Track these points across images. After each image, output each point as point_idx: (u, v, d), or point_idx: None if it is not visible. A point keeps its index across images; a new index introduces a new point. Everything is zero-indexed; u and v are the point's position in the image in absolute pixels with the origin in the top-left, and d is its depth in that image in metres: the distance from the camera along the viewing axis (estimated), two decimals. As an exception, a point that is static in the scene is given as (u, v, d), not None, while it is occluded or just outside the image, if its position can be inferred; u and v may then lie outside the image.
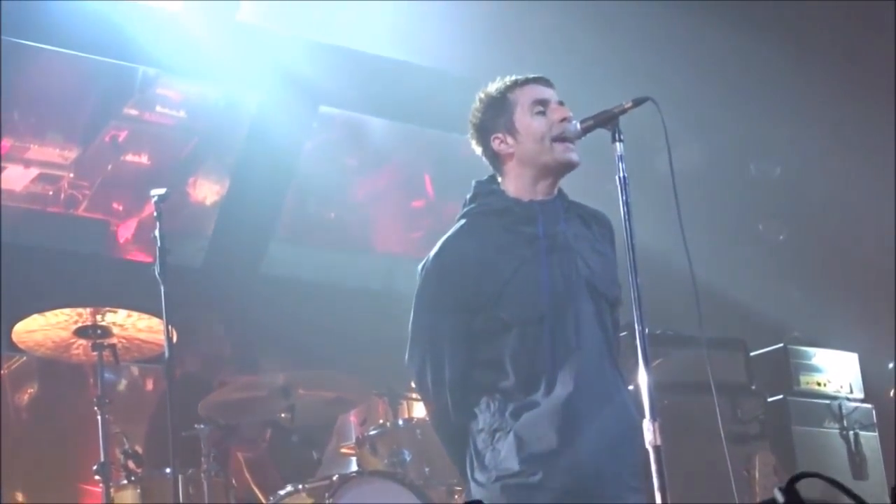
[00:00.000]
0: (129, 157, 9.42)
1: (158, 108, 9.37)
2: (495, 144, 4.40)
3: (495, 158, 4.43)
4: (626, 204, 4.15)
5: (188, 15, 8.47)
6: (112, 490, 6.39)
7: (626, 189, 4.17)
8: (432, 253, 4.38)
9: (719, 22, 9.11)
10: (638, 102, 4.21)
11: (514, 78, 4.46)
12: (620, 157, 4.20)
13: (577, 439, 4.11)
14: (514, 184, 4.40)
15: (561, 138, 4.31)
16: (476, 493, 4.22)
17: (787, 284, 10.50)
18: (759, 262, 10.66)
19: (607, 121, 4.22)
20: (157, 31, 8.43)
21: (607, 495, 4.12)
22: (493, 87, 4.46)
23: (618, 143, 4.21)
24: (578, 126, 4.29)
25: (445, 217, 9.54)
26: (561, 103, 4.40)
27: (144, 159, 9.47)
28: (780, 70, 9.81)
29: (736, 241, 10.54)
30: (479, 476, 4.21)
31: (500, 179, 4.45)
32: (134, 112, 9.31)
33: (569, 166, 4.36)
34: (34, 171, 9.04)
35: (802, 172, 10.76)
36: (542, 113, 4.35)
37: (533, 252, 4.27)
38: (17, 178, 8.94)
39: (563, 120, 4.32)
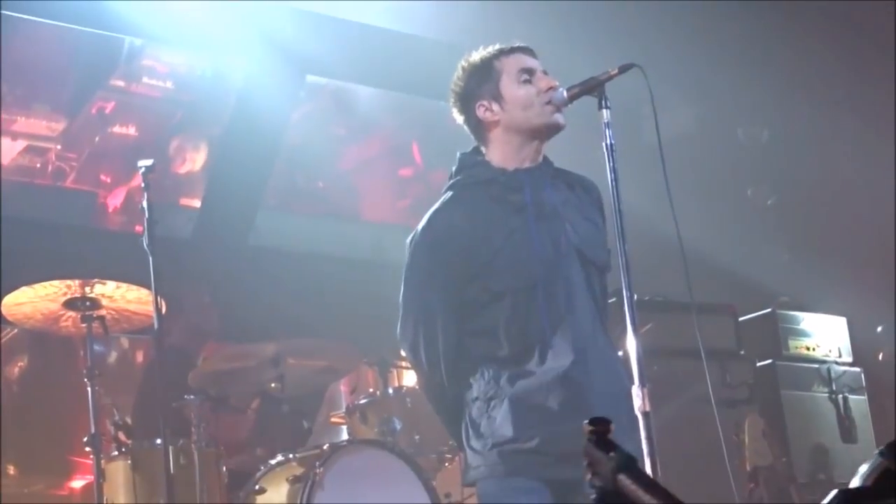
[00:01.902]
0: (117, 129, 9.39)
1: (145, 80, 9.34)
2: (480, 112, 4.39)
3: (479, 126, 4.43)
4: (614, 171, 4.16)
5: (175, -18, 8.44)
6: (103, 461, 6.39)
7: (613, 156, 4.17)
8: (420, 226, 4.38)
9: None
10: (624, 69, 4.21)
11: (498, 46, 4.45)
12: (607, 124, 4.20)
13: (572, 405, 4.12)
14: (500, 152, 4.40)
15: (548, 103, 4.31)
16: (473, 460, 4.24)
17: (776, 249, 10.52)
18: (747, 227, 10.68)
19: (594, 88, 4.23)
20: (143, 1, 8.40)
21: None
22: (477, 55, 4.46)
23: (604, 111, 4.21)
24: (565, 94, 4.30)
25: (433, 185, 9.54)
26: (545, 73, 4.40)
27: (132, 131, 9.45)
28: (767, 35, 9.80)
29: (724, 207, 10.54)
30: (475, 444, 4.23)
31: (483, 149, 4.44)
32: (121, 83, 9.29)
33: (555, 128, 4.37)
34: (21, 144, 9.02)
35: (790, 137, 10.76)
36: (529, 81, 4.36)
37: (521, 220, 4.27)
38: (5, 150, 8.92)
39: (550, 89, 4.32)
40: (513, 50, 4.43)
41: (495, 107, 4.36)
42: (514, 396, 4.16)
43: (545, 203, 4.32)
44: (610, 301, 7.46)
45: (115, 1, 8.31)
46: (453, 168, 4.48)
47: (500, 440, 4.15)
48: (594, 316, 4.31)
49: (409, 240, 4.40)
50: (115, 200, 9.42)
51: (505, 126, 4.37)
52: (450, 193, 4.42)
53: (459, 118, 4.48)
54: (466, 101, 4.43)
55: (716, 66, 10.00)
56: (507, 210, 4.30)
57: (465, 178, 4.42)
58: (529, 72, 4.37)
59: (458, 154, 4.50)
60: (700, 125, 10.52)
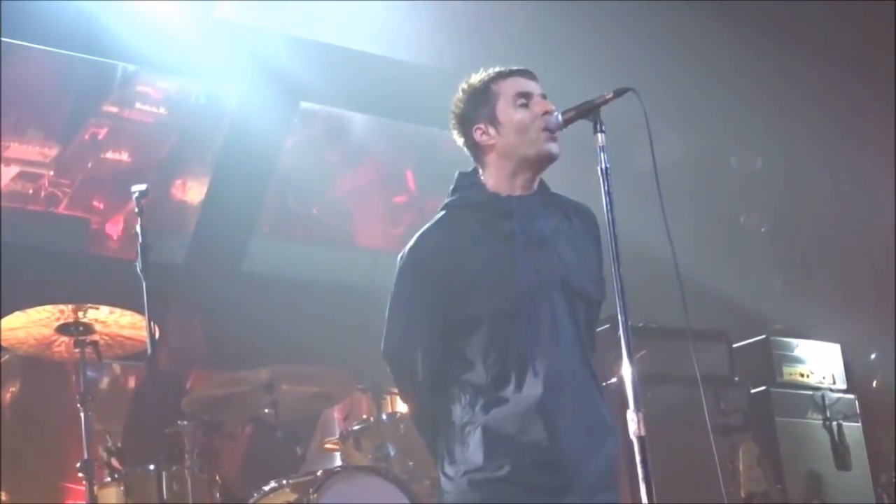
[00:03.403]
0: (110, 155, 9.38)
1: (138, 106, 9.33)
2: (476, 135, 4.38)
3: (476, 149, 4.41)
4: (609, 195, 4.15)
5: (167, 10, 8.45)
6: (96, 488, 6.38)
7: (607, 180, 4.16)
8: (408, 246, 4.37)
9: (700, 14, 9.13)
10: (619, 93, 4.21)
11: (498, 69, 4.44)
12: (602, 148, 4.19)
13: (546, 436, 4.09)
14: (494, 177, 4.38)
15: (544, 129, 4.30)
16: (446, 486, 4.20)
17: (770, 276, 10.53)
18: (741, 254, 10.70)
19: (589, 112, 4.22)
20: (137, 27, 8.41)
21: (576, 492, 4.09)
22: (477, 77, 4.44)
23: (599, 134, 4.20)
24: (560, 117, 4.29)
25: (427, 212, 9.52)
26: (544, 96, 4.39)
27: (125, 157, 9.44)
28: (761, 62, 9.84)
29: (718, 234, 10.56)
30: (448, 470, 4.19)
31: (480, 172, 4.44)
32: (114, 109, 9.28)
33: (549, 158, 4.35)
34: (14, 169, 9.01)
35: (783, 165, 10.79)
36: (525, 105, 4.33)
37: (507, 247, 4.25)
38: (-3, 176, 8.92)
39: (546, 113, 4.31)
40: (511, 73, 4.41)
41: (491, 130, 4.35)
42: (487, 424, 4.12)
43: (534, 231, 4.29)
44: (604, 327, 7.47)
45: (109, 27, 8.32)
46: (451, 187, 4.47)
47: (472, 467, 4.11)
48: (576, 348, 4.26)
49: (399, 257, 4.39)
50: (116, 228, 9.41)
51: (500, 151, 4.35)
52: (442, 213, 4.40)
53: (459, 140, 4.47)
54: (464, 123, 4.42)
55: (709, 94, 10.03)
56: (495, 236, 4.28)
57: (458, 199, 4.41)
58: (526, 96, 4.35)
59: (456, 173, 4.49)
60: (693, 152, 10.54)
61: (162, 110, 9.45)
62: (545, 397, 4.11)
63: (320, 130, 10.29)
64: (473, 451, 4.11)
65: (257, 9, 8.81)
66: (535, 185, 4.42)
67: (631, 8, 9.02)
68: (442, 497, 4.24)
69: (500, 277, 4.20)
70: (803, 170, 10.54)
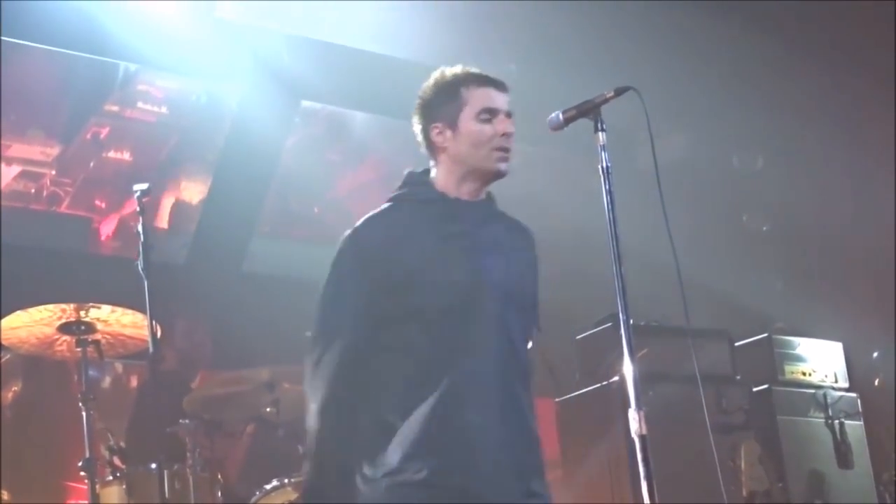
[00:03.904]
0: (112, 154, 9.39)
1: (140, 105, 9.34)
2: (433, 133, 4.32)
3: (430, 145, 4.37)
4: (610, 193, 4.15)
5: (168, 10, 8.46)
6: (98, 487, 6.38)
7: (609, 179, 4.17)
8: (348, 231, 4.30)
9: (702, 13, 9.13)
10: (620, 92, 4.21)
11: (473, 72, 4.38)
12: (603, 147, 4.19)
13: (467, 439, 4.04)
14: (443, 178, 4.33)
15: (500, 148, 4.26)
16: (363, 488, 4.09)
17: (771, 275, 10.53)
18: (742, 253, 10.69)
19: (589, 111, 4.22)
20: (138, 27, 8.43)
21: (497, 497, 4.04)
22: (451, 72, 4.39)
23: (600, 133, 4.21)
24: (561, 117, 4.29)
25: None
26: (509, 115, 4.31)
27: (126, 156, 9.44)
28: (762, 62, 9.84)
29: (719, 233, 10.56)
30: (366, 471, 4.09)
31: (432, 169, 4.40)
32: (115, 108, 9.28)
33: (497, 175, 4.29)
34: (16, 169, 9.01)
35: (785, 164, 10.78)
36: (488, 121, 4.27)
37: (449, 247, 4.20)
38: (-1, 175, 8.93)
39: (506, 135, 4.26)
40: (485, 82, 4.34)
41: (448, 133, 4.29)
42: (407, 425, 4.05)
43: (477, 236, 4.25)
44: (605, 325, 7.49)
45: (111, 26, 8.32)
46: (399, 184, 4.43)
47: (389, 470, 4.03)
48: (508, 355, 4.18)
49: (340, 240, 4.32)
50: (108, 228, 9.41)
51: (452, 155, 4.30)
52: (388, 205, 4.35)
53: (416, 126, 4.42)
54: (426, 115, 4.38)
55: (711, 93, 10.03)
56: (438, 234, 4.22)
57: (406, 193, 4.36)
58: (492, 112, 4.27)
59: (405, 171, 4.45)
60: (695, 151, 10.54)
61: (163, 109, 9.46)
62: (470, 400, 4.06)
63: (321, 129, 10.29)
64: (392, 451, 4.04)
65: (258, 8, 8.82)
66: (483, 194, 4.38)
67: (632, 6, 9.02)
68: (357, 499, 4.11)
69: (439, 274, 4.14)
70: (805, 169, 10.54)
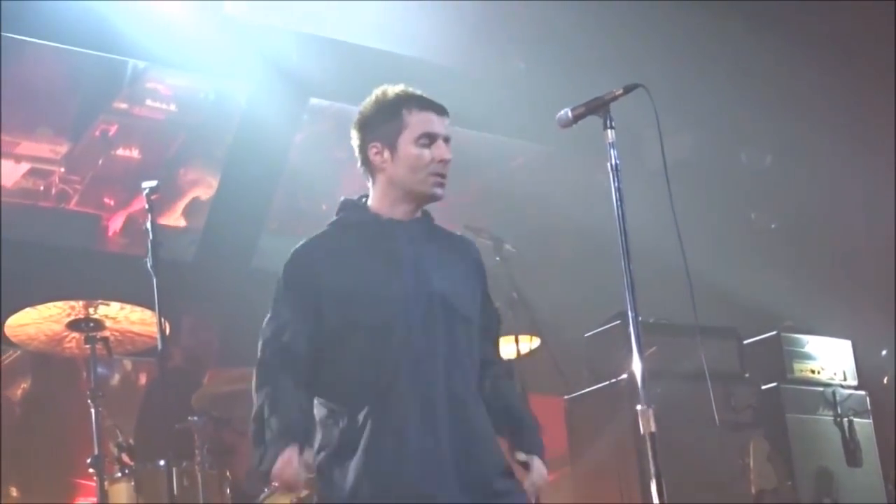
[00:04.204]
0: (120, 152, 9.40)
1: (148, 102, 9.35)
2: (371, 153, 4.32)
3: (367, 163, 4.37)
4: (618, 191, 4.15)
5: (177, 8, 8.47)
6: (106, 483, 6.39)
7: (617, 176, 4.16)
8: (286, 260, 4.35)
9: (710, 10, 9.12)
10: (629, 89, 4.21)
11: (415, 95, 4.36)
12: (612, 145, 4.19)
13: (416, 455, 4.05)
14: (379, 198, 4.35)
15: (437, 174, 4.27)
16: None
17: (780, 272, 10.51)
18: (751, 250, 10.68)
19: (598, 108, 4.22)
20: (147, 25, 8.44)
21: None
22: (393, 92, 4.36)
23: (609, 131, 4.20)
24: (570, 114, 4.29)
25: (437, 209, 9.53)
26: (447, 140, 4.32)
27: (135, 153, 9.45)
28: (770, 59, 9.83)
29: (728, 230, 10.55)
30: (325, 492, 4.15)
31: (369, 188, 4.40)
32: (124, 106, 9.29)
33: (432, 199, 4.33)
34: (25, 166, 9.02)
35: (794, 161, 10.77)
36: (427, 146, 4.27)
37: (384, 265, 4.23)
38: (8, 173, 8.93)
39: (443, 161, 4.27)
40: (426, 106, 4.33)
41: (386, 154, 4.29)
42: (362, 445, 4.08)
43: (412, 253, 4.27)
44: (614, 323, 7.48)
45: (119, 24, 8.33)
46: (336, 210, 4.45)
47: (345, 493, 4.07)
48: (454, 367, 4.20)
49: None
50: (115, 225, 9.42)
51: (388, 176, 4.30)
52: (324, 230, 4.39)
53: (354, 141, 4.41)
54: (365, 132, 4.37)
55: (719, 90, 10.03)
56: (373, 253, 4.25)
57: (341, 218, 4.39)
58: (431, 137, 4.27)
59: (341, 199, 4.46)
60: (703, 149, 10.53)
61: (172, 107, 9.46)
62: (413, 414, 4.08)
63: (329, 126, 10.29)
64: (345, 475, 4.08)
65: (266, 6, 8.84)
66: (419, 213, 4.39)
67: (640, 5, 9.01)
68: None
69: (374, 290, 4.17)
70: (813, 166, 10.53)
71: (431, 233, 4.41)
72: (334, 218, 4.42)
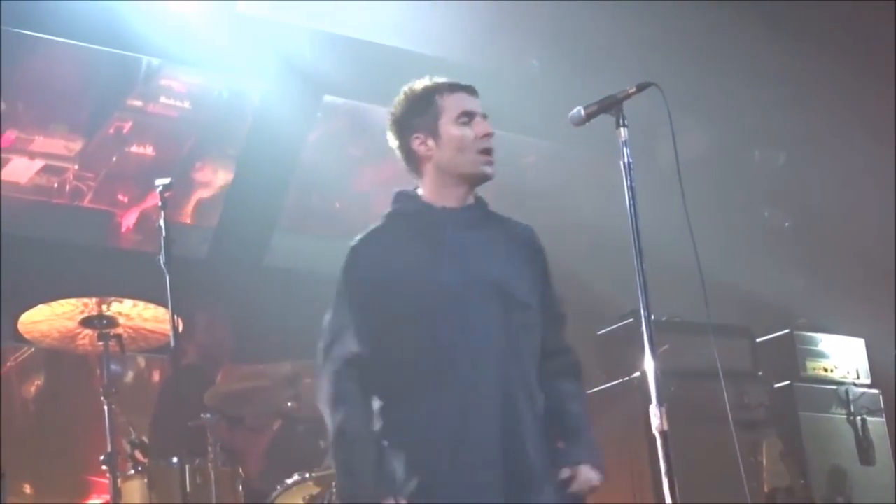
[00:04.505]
0: (134, 149, 9.41)
1: (163, 100, 9.36)
2: (415, 144, 4.39)
3: (412, 157, 4.43)
4: (631, 189, 4.15)
5: (191, 5, 8.48)
6: (119, 481, 6.40)
7: (630, 174, 4.17)
8: (350, 245, 4.38)
9: (724, 8, 9.10)
10: (642, 88, 4.21)
11: (443, 81, 4.44)
12: (625, 143, 4.20)
13: (469, 446, 4.07)
14: (429, 187, 4.39)
15: (481, 152, 4.31)
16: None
17: (793, 271, 10.50)
18: (764, 248, 10.67)
19: (611, 106, 4.22)
20: (161, 22, 8.45)
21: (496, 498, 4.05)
22: (421, 84, 4.45)
23: (622, 129, 4.21)
24: (583, 112, 4.29)
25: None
26: (485, 116, 4.38)
27: (149, 150, 9.47)
28: (784, 57, 9.80)
29: (741, 229, 10.54)
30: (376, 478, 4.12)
31: (417, 182, 4.45)
32: (138, 103, 9.31)
33: (483, 178, 4.37)
34: (39, 163, 9.04)
35: (807, 160, 10.75)
36: (467, 124, 4.33)
37: (440, 253, 4.25)
38: (23, 169, 8.95)
39: (486, 135, 4.32)
40: (457, 88, 4.40)
41: (430, 142, 4.35)
42: (408, 436, 4.11)
43: (467, 240, 4.30)
44: (627, 321, 7.47)
45: (134, 21, 8.35)
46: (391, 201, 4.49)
47: (394, 483, 4.06)
48: (508, 353, 4.20)
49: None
50: (129, 221, 9.44)
51: (436, 163, 4.36)
52: (378, 224, 4.43)
53: (393, 143, 4.49)
54: (403, 129, 4.43)
55: (733, 88, 10.01)
56: (425, 242, 4.28)
57: (394, 210, 4.44)
58: (469, 115, 4.34)
59: (394, 191, 4.51)
60: (717, 146, 10.51)
61: (186, 104, 9.48)
62: (469, 404, 4.09)
63: (343, 124, 10.30)
64: (395, 464, 4.08)
65: (280, 3, 8.83)
66: (471, 198, 4.42)
67: (653, 3, 9.00)
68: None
69: (432, 279, 4.19)
70: (828, 164, 10.51)
71: (486, 219, 4.43)
72: (388, 210, 4.46)
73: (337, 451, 4.15)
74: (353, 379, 4.18)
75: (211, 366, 8.37)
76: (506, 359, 4.17)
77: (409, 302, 4.18)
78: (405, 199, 4.45)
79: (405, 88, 4.48)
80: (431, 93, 4.40)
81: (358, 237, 4.39)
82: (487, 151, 4.32)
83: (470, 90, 4.42)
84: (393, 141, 4.49)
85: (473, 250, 4.28)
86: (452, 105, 4.36)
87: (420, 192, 4.42)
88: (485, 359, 4.14)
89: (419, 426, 4.10)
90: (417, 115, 4.40)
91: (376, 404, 4.21)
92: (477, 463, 4.05)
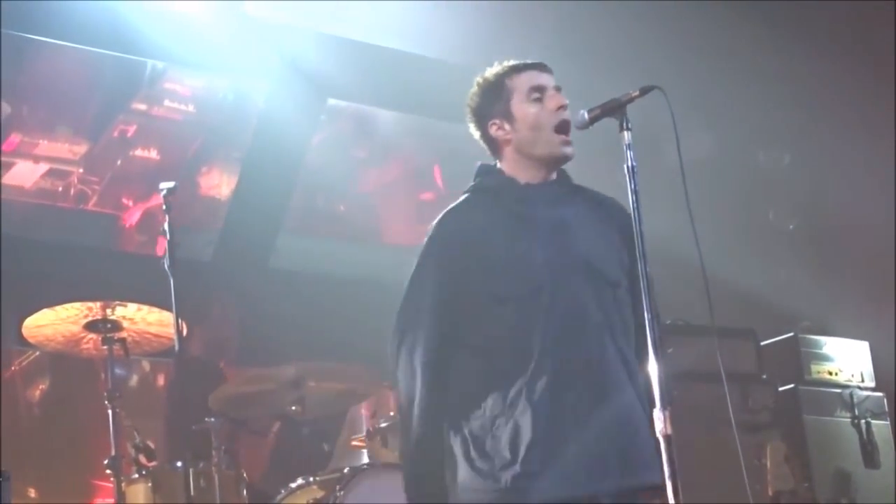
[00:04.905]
0: (139, 152, 9.42)
1: (167, 103, 9.38)
2: (492, 130, 4.41)
3: (493, 143, 4.45)
4: (635, 192, 4.14)
5: (196, 8, 8.48)
6: (123, 484, 6.39)
7: (634, 178, 4.16)
8: (434, 223, 4.39)
9: (726, 10, 9.10)
10: (645, 91, 4.20)
11: (511, 63, 4.46)
12: (629, 146, 4.18)
13: (576, 427, 4.06)
14: (512, 167, 4.41)
15: (558, 129, 4.31)
16: (473, 482, 4.11)
17: (798, 273, 10.49)
18: (769, 250, 10.66)
19: (615, 109, 4.21)
20: (165, 25, 8.44)
21: (609, 484, 4.07)
22: (491, 72, 4.47)
23: (626, 132, 4.20)
24: (586, 115, 4.28)
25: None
26: (558, 89, 4.41)
27: (153, 154, 9.47)
28: (788, 58, 9.79)
29: (746, 230, 10.53)
30: (479, 464, 4.11)
31: (498, 165, 4.46)
32: (142, 107, 9.32)
33: (563, 159, 4.38)
34: (44, 167, 9.05)
35: (812, 161, 10.74)
36: (539, 100, 4.36)
37: (527, 230, 4.25)
38: (27, 173, 8.95)
39: (560, 108, 4.33)
40: (525, 67, 4.43)
41: (507, 126, 4.38)
42: (518, 416, 4.08)
43: (553, 216, 4.31)
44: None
45: (138, 24, 8.35)
46: (473, 175, 4.50)
47: (505, 463, 4.06)
48: (603, 332, 4.21)
49: (426, 234, 4.40)
50: (132, 218, 9.43)
51: (516, 146, 4.38)
52: (465, 196, 4.44)
53: (475, 133, 4.51)
54: (480, 118, 4.46)
55: (737, 90, 10.00)
56: (515, 219, 4.29)
57: (478, 184, 4.46)
58: (540, 89, 4.37)
59: (477, 164, 4.52)
60: (721, 148, 10.50)
61: (190, 107, 9.49)
62: (574, 385, 4.09)
63: (348, 127, 10.31)
64: (506, 444, 4.07)
65: (285, 6, 8.82)
66: (554, 175, 4.44)
67: (657, 6, 9.00)
68: (465, 493, 4.14)
69: (523, 258, 4.20)
70: (832, 166, 10.49)
71: (573, 194, 4.46)
72: (471, 183, 4.48)
73: (406, 451, 4.29)
74: (431, 368, 4.21)
75: (217, 357, 8.34)
76: (601, 336, 4.19)
77: (503, 283, 4.18)
78: (487, 173, 4.47)
79: (477, 79, 4.51)
80: (501, 77, 4.43)
81: (444, 212, 4.39)
82: (564, 129, 4.33)
83: (541, 66, 4.46)
84: (474, 132, 4.51)
85: (562, 228, 4.29)
86: (522, 84, 4.40)
87: (501, 168, 4.44)
88: (581, 338, 4.15)
89: (516, 411, 4.08)
90: (491, 101, 4.43)
91: (465, 388, 4.20)
92: (587, 442, 4.06)
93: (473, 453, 4.14)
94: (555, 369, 4.11)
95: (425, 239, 4.38)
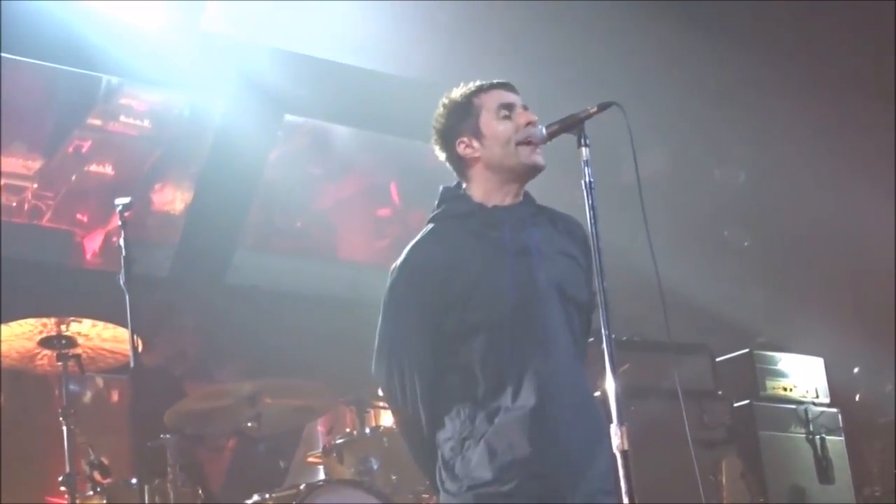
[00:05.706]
0: (94, 168, 9.37)
1: (122, 118, 9.33)
2: (461, 148, 4.38)
3: (460, 163, 4.41)
4: (592, 208, 4.14)
5: (152, 23, 8.45)
6: (78, 502, 6.36)
7: (591, 194, 4.16)
8: (398, 261, 4.34)
9: (683, 27, 9.15)
10: (603, 107, 4.20)
11: (479, 83, 4.44)
12: (586, 162, 4.18)
13: (548, 446, 4.07)
14: (480, 189, 4.38)
15: (527, 142, 4.31)
16: (447, 501, 4.17)
17: (753, 290, 10.54)
18: (724, 267, 10.71)
19: (573, 125, 4.21)
20: (121, 40, 8.40)
21: (579, 498, 4.09)
22: (458, 92, 4.44)
23: (583, 148, 4.20)
24: (544, 131, 4.29)
25: (411, 225, 9.54)
26: (525, 108, 4.40)
27: (109, 170, 9.43)
28: (745, 77, 9.86)
29: (701, 248, 10.57)
30: (449, 486, 4.15)
31: (465, 185, 4.44)
32: (98, 122, 9.27)
33: (534, 169, 4.36)
34: (-2, 182, 9.00)
35: (767, 179, 10.81)
36: (508, 117, 4.34)
37: (498, 255, 4.24)
38: (-19, 189, 8.90)
39: (529, 124, 4.32)
40: (492, 86, 4.42)
41: (475, 143, 4.35)
42: (488, 436, 4.10)
43: (523, 240, 4.29)
44: (588, 340, 7.45)
45: (94, 39, 8.31)
46: (436, 201, 4.47)
47: (477, 483, 4.08)
48: (572, 353, 4.25)
49: (390, 272, 4.37)
50: (94, 244, 9.39)
51: (485, 163, 4.36)
52: (430, 226, 4.40)
53: (441, 155, 4.47)
54: (447, 137, 4.42)
55: (693, 107, 10.05)
56: (485, 245, 4.27)
57: (444, 210, 4.41)
58: (509, 107, 4.36)
59: (440, 187, 4.49)
60: (677, 166, 10.55)
61: (146, 123, 9.45)
62: (544, 406, 4.10)
63: (304, 143, 10.29)
64: (477, 465, 4.09)
65: (242, 22, 8.81)
66: (521, 196, 4.42)
67: (614, 20, 9.04)
68: None
69: (495, 285, 4.19)
70: (787, 184, 10.57)
71: (538, 215, 4.44)
72: (436, 210, 4.44)
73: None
74: (419, 412, 4.24)
75: (177, 367, 8.29)
76: (570, 353, 4.24)
77: (477, 313, 4.17)
78: (454, 199, 4.44)
79: (443, 99, 4.48)
80: (468, 96, 4.41)
81: (412, 243, 4.37)
82: (530, 143, 4.32)
83: (508, 86, 4.45)
84: (440, 153, 4.47)
85: (535, 252, 4.28)
86: (490, 101, 4.38)
87: (469, 191, 4.42)
88: (557, 358, 4.18)
89: (502, 427, 4.10)
90: (458, 119, 4.40)
91: (453, 412, 4.21)
92: (568, 455, 4.09)
93: (446, 479, 4.18)
94: (525, 391, 4.12)
95: (392, 274, 4.34)
